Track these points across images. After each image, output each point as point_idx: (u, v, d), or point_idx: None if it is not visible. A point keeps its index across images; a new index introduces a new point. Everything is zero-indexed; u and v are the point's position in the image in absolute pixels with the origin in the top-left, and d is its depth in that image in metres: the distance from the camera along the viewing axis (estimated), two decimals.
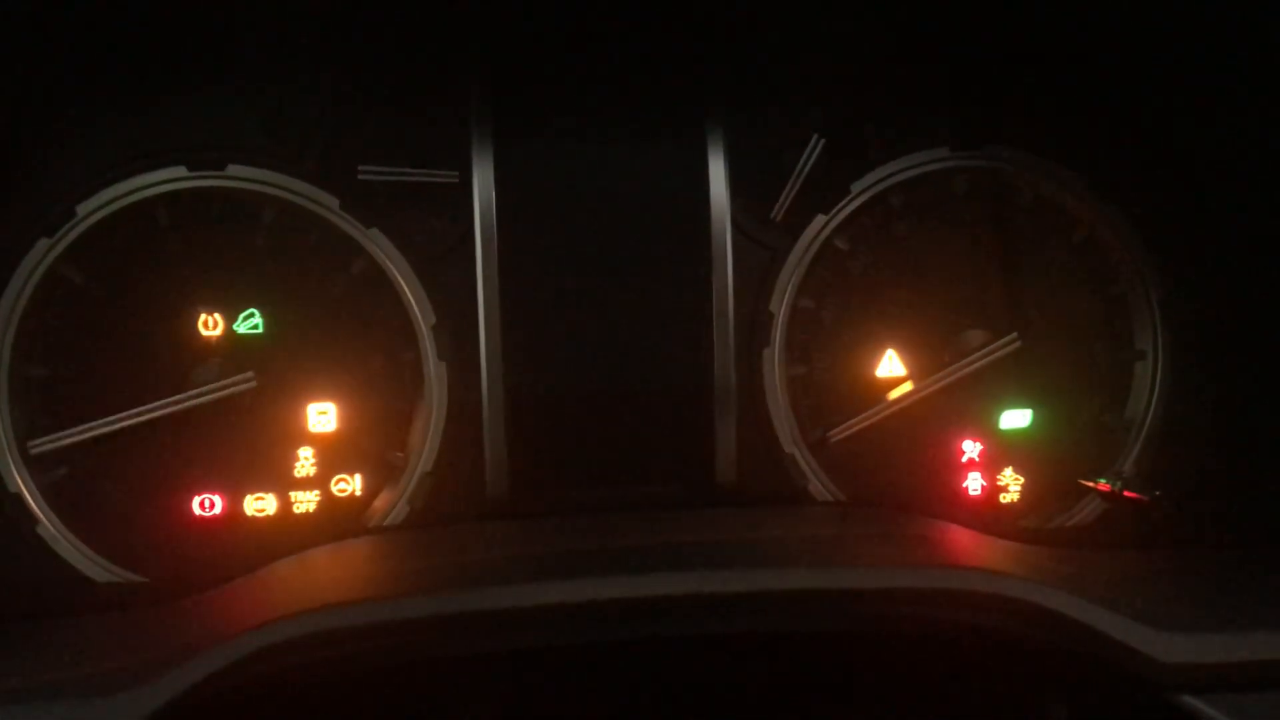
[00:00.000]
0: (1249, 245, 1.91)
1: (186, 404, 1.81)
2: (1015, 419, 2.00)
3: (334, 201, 1.86)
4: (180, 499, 1.85)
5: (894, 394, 1.97)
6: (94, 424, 1.82)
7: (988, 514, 1.98)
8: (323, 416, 1.88)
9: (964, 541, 1.73)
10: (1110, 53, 1.95)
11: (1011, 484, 2.01)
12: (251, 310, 1.86)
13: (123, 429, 1.82)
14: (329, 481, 1.89)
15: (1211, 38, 1.78)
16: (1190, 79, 1.88)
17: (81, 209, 1.79)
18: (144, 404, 1.82)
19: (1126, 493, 1.82)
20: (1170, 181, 1.97)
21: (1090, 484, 1.91)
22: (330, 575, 1.60)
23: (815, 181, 1.96)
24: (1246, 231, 1.91)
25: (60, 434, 1.82)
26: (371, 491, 1.91)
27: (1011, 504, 2.01)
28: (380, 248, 1.87)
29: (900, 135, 1.97)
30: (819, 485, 1.96)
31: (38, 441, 1.81)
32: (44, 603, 1.70)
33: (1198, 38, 1.80)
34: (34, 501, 1.80)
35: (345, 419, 1.89)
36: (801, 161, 1.95)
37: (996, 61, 1.99)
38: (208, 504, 1.86)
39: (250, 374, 1.83)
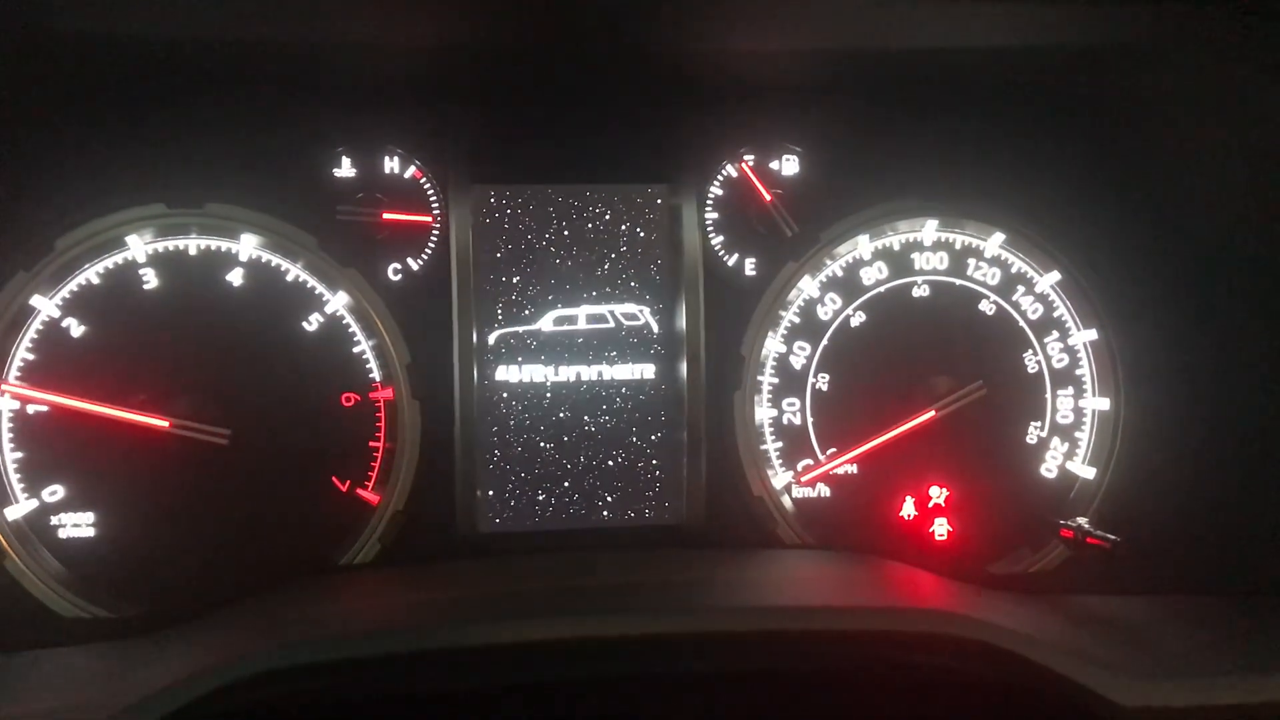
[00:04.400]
0: (1210, 296, 1.95)
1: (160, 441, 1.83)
2: (981, 465, 2.02)
3: (312, 241, 1.88)
4: (149, 535, 1.85)
5: (862, 439, 1.99)
6: (63, 459, 1.82)
7: (954, 559, 1.99)
8: (295, 453, 1.89)
9: (929, 586, 1.75)
10: (1077, 110, 2.00)
11: (977, 530, 2.02)
12: (227, 347, 1.87)
13: (94, 465, 1.83)
14: (299, 518, 1.89)
15: (1169, 96, 1.83)
16: (1153, 136, 1.93)
17: (60, 244, 1.81)
18: (116, 441, 1.82)
19: (1089, 539, 1.84)
20: (1133, 233, 2.01)
21: (1053, 530, 1.92)
22: (299, 613, 1.60)
23: (786, 229, 1.99)
24: (1208, 283, 1.95)
25: (30, 468, 1.82)
26: (342, 529, 1.90)
27: (977, 549, 2.02)
28: (357, 287, 1.89)
29: (871, 185, 2.01)
30: (787, 529, 1.97)
31: (6, 475, 1.81)
32: (10, 637, 1.69)
33: (1157, 96, 1.85)
34: (1, 535, 1.79)
35: (318, 456, 1.90)
36: (773, 210, 1.99)
37: (965, 117, 2.03)
38: (177, 540, 1.85)
39: (226, 431, 1.84)
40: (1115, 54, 1.78)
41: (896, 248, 2.02)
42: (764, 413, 2.00)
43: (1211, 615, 1.72)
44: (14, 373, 1.81)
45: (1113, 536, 1.81)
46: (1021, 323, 2.03)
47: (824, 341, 2.00)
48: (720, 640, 1.40)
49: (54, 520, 1.83)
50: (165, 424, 1.82)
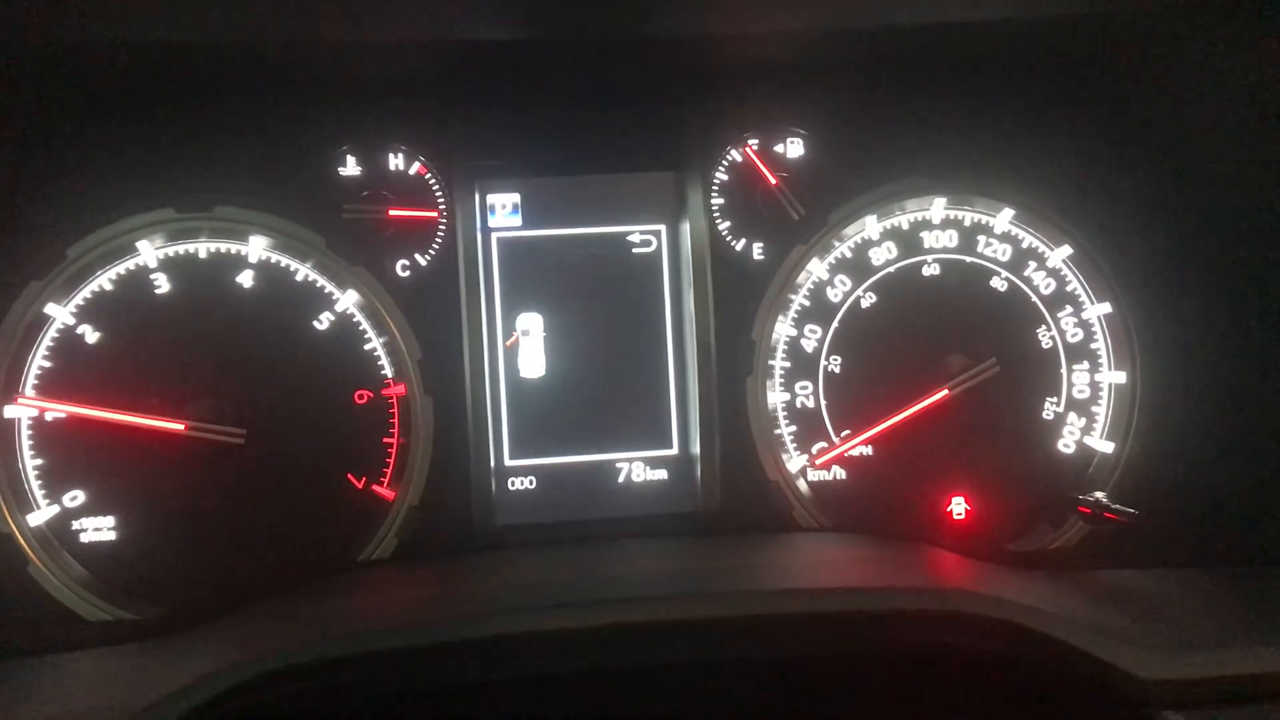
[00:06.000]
0: (1224, 265, 1.93)
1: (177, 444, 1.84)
2: (997, 443, 2.01)
3: (320, 240, 1.89)
4: (169, 537, 1.86)
5: (876, 420, 1.98)
6: (83, 464, 1.84)
7: (972, 538, 1.98)
8: (311, 452, 1.90)
9: (949, 565, 1.74)
10: (1085, 82, 1.99)
11: (994, 508, 2.01)
12: (240, 349, 1.88)
13: (113, 469, 1.85)
14: (316, 516, 1.90)
15: (1179, 65, 1.82)
16: (1162, 106, 1.91)
17: (72, 252, 1.82)
18: (134, 445, 1.84)
19: (1108, 514, 1.82)
20: (1144, 204, 2.00)
21: (1072, 506, 1.91)
22: (319, 610, 1.61)
23: (793, 212, 1.99)
24: (1222, 252, 1.93)
25: (50, 474, 1.84)
26: (360, 525, 1.91)
27: (995, 528, 2.01)
28: (366, 284, 1.90)
29: (877, 165, 2.00)
30: (804, 512, 1.96)
31: (28, 481, 1.83)
32: (36, 640, 1.71)
33: (1167, 66, 1.84)
34: (25, 541, 1.81)
35: (333, 454, 1.91)
36: (780, 193, 1.98)
37: (970, 93, 2.02)
38: (197, 541, 1.86)
39: (241, 431, 1.85)
40: (1121, 25, 1.76)
41: (905, 227, 2.01)
42: (776, 397, 1.99)
43: (1232, 587, 1.70)
44: (31, 381, 1.83)
45: (1132, 510, 1.80)
46: (1034, 298, 2.02)
47: (835, 324, 2.00)
48: (744, 625, 1.40)
49: (75, 525, 1.85)
50: (181, 427, 1.83)
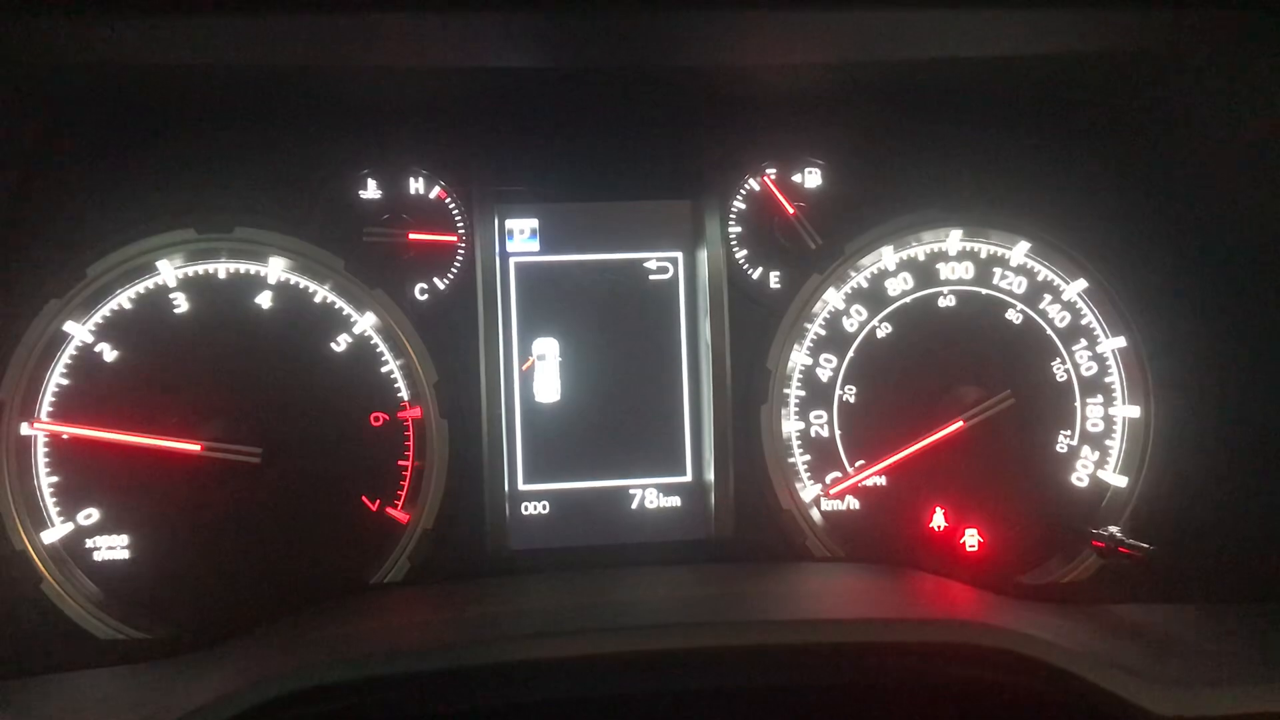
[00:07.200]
0: (1239, 300, 1.94)
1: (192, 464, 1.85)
2: (1011, 475, 2.01)
3: (339, 263, 1.90)
4: (183, 556, 1.86)
5: (890, 450, 1.98)
6: (98, 482, 1.85)
7: (985, 570, 1.97)
8: (326, 474, 1.90)
9: (961, 597, 1.74)
10: (1101, 116, 1.99)
11: (1007, 540, 2.01)
12: (257, 370, 1.89)
13: (128, 487, 1.85)
14: (330, 538, 1.90)
15: (1194, 100, 1.82)
16: (1177, 140, 1.92)
17: (91, 271, 1.84)
18: (149, 463, 1.84)
19: (1121, 548, 1.82)
20: (1160, 238, 2.00)
21: (1085, 540, 1.91)
22: (332, 632, 1.61)
23: (810, 241, 1.99)
24: (1237, 287, 1.94)
25: (65, 492, 1.84)
26: (373, 547, 1.91)
27: (1008, 560, 2.00)
28: (384, 307, 1.91)
29: (894, 196, 2.01)
30: (816, 542, 1.96)
31: (43, 499, 1.83)
32: (48, 658, 1.71)
33: (1181, 100, 1.84)
34: (38, 559, 1.81)
35: (348, 476, 1.91)
36: (797, 222, 1.99)
37: (987, 126, 2.03)
38: (210, 560, 1.87)
39: (257, 450, 1.85)
40: (1136, 60, 1.77)
41: (921, 258, 2.02)
42: (791, 426, 1.99)
43: (1246, 623, 1.70)
44: (48, 398, 1.84)
45: (1145, 545, 1.80)
46: (1049, 331, 2.02)
47: (850, 353, 2.00)
48: (757, 654, 1.39)
49: (89, 543, 1.85)
50: (197, 447, 1.84)
